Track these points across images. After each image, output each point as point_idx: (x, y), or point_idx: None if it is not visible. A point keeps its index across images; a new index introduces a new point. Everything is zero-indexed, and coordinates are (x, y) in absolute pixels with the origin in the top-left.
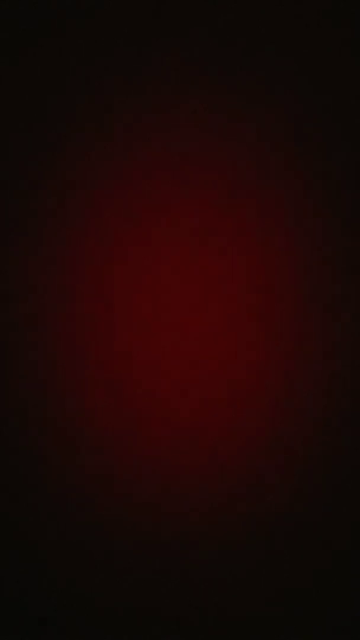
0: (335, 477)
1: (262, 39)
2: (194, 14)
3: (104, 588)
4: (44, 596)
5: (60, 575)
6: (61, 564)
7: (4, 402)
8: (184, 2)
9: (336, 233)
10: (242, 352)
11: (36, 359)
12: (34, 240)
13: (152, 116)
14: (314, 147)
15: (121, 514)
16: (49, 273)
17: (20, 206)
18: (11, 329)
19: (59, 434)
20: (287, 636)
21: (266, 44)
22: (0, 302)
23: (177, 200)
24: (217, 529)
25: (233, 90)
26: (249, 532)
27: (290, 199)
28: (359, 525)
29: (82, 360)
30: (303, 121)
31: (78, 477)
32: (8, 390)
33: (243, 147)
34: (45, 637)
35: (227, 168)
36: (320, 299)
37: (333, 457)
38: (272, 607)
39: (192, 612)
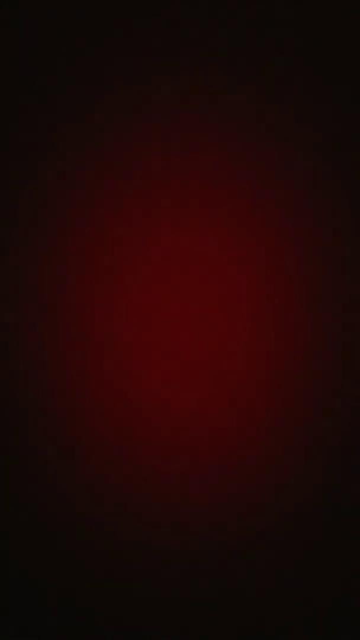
0: (338, 477)
1: (264, 33)
2: (195, 6)
3: (102, 589)
4: (41, 599)
5: (58, 582)
6: (60, 567)
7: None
8: None
9: (341, 232)
10: (242, 353)
11: (34, 358)
12: (33, 237)
13: (153, 111)
14: (318, 144)
15: (120, 516)
16: (44, 270)
17: (16, 206)
18: (8, 329)
19: (55, 432)
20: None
21: (267, 39)
22: None
23: (177, 195)
24: (217, 530)
25: (235, 85)
26: (250, 532)
27: (294, 198)
28: None
29: (80, 360)
30: (308, 116)
31: (77, 478)
32: (5, 389)
33: (245, 143)
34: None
35: (229, 164)
36: (323, 298)
37: (335, 456)
38: (272, 609)
39: (191, 613)
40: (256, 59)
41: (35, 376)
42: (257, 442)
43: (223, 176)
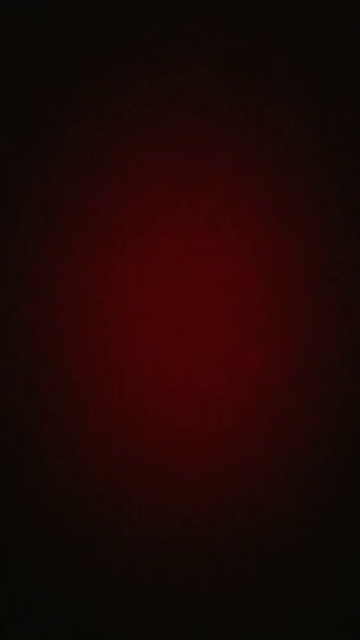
0: (340, 482)
1: (263, 30)
2: (197, 5)
3: (100, 593)
4: (41, 598)
5: (56, 579)
6: (58, 566)
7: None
8: None
9: (342, 233)
10: (243, 353)
11: (34, 359)
12: (33, 235)
13: (154, 115)
14: (319, 141)
15: (119, 517)
16: (46, 271)
17: (18, 201)
18: (7, 331)
19: (56, 434)
20: None
21: (268, 36)
22: None
23: (179, 195)
24: (216, 533)
25: (236, 85)
26: (249, 535)
27: (295, 198)
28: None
29: (79, 361)
30: (307, 115)
31: (77, 481)
32: (4, 390)
33: (245, 141)
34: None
35: (230, 164)
36: (324, 299)
37: (336, 460)
38: (271, 613)
39: (191, 618)
40: (256, 62)
41: (36, 377)
42: (257, 441)
43: (223, 179)
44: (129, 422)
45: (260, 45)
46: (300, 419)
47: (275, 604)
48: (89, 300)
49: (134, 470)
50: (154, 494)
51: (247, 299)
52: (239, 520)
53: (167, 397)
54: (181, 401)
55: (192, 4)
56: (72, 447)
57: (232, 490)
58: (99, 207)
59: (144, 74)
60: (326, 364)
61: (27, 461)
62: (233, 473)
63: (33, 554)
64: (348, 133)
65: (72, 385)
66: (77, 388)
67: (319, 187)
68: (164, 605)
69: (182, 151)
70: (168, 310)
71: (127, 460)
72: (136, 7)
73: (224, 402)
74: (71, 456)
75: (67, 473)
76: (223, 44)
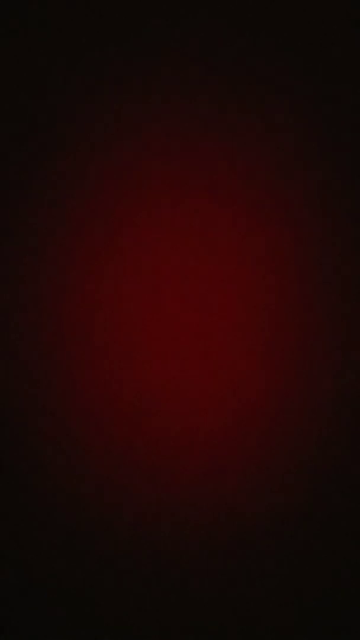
0: (340, 482)
1: (263, 30)
2: (197, 5)
3: (99, 592)
4: (40, 599)
5: (56, 579)
6: (58, 566)
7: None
8: None
9: (342, 233)
10: (244, 352)
11: (33, 357)
12: (33, 235)
13: (153, 108)
14: (319, 141)
15: (119, 517)
16: (44, 270)
17: (17, 202)
18: (7, 331)
19: (56, 434)
20: None
21: (268, 36)
22: None
23: (178, 195)
24: (216, 533)
25: (236, 85)
26: (249, 536)
27: (295, 197)
28: None
29: (79, 360)
30: (307, 115)
31: (76, 482)
32: (4, 390)
33: (245, 141)
34: None
35: (230, 164)
36: (324, 299)
37: (336, 460)
38: (271, 613)
39: (190, 618)
40: (256, 61)
41: (37, 379)
42: (257, 441)
43: (223, 179)
44: (129, 422)
45: (260, 45)
46: (300, 419)
47: (275, 604)
48: (89, 300)
49: (134, 470)
50: (154, 494)
51: (247, 299)
52: (239, 520)
53: (167, 397)
54: (181, 401)
55: (192, 4)
56: (72, 447)
57: (232, 490)
58: (99, 207)
59: (144, 74)
60: (326, 364)
61: (27, 461)
62: (233, 473)
63: (33, 554)
64: (348, 133)
65: (72, 385)
66: (77, 388)
67: (319, 187)
68: (164, 605)
69: (181, 151)
70: (168, 310)
71: (127, 460)
72: (136, 7)
73: (223, 401)
74: (71, 456)
75: (67, 473)
76: (223, 44)
